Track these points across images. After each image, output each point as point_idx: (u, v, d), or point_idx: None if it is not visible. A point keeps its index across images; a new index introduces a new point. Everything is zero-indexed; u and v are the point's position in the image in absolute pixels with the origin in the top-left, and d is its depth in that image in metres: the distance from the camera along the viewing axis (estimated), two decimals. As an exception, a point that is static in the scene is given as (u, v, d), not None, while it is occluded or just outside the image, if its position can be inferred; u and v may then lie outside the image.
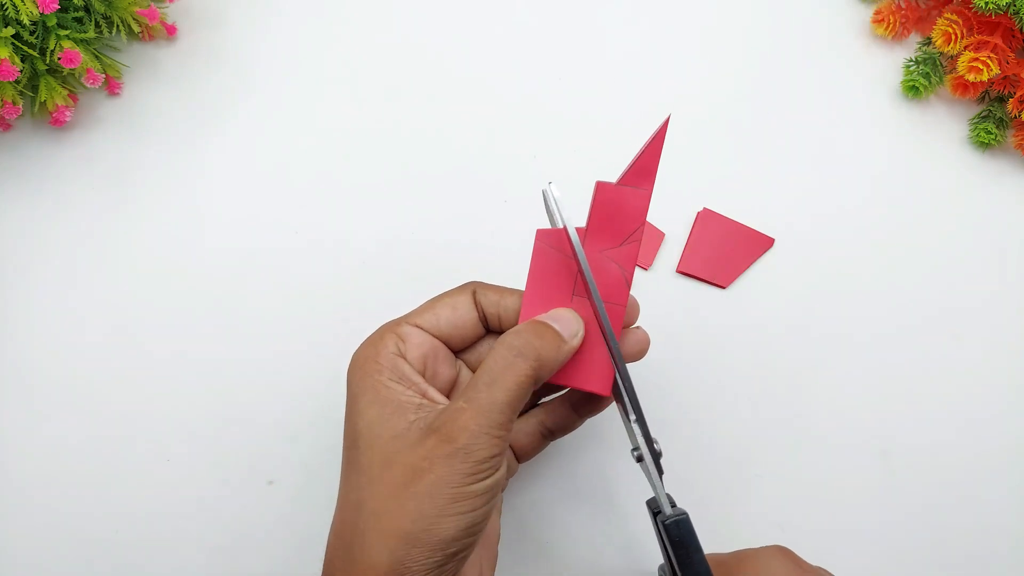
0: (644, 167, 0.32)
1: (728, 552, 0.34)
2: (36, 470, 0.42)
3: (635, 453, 0.33)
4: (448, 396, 0.33)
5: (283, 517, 0.42)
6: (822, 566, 0.34)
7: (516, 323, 0.33)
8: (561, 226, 0.32)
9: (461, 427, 0.28)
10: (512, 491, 0.42)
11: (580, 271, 0.32)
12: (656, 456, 0.33)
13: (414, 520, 0.28)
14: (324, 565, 0.31)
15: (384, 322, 0.33)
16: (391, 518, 0.28)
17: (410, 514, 0.28)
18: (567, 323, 0.32)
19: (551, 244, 0.33)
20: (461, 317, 0.33)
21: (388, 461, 0.29)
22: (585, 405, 0.36)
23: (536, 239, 0.33)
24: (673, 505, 0.33)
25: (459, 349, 0.34)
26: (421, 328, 0.33)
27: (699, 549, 0.32)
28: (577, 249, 0.32)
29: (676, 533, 0.32)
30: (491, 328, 0.34)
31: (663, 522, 0.32)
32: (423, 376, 0.32)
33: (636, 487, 0.42)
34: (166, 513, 0.42)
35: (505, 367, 0.29)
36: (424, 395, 0.31)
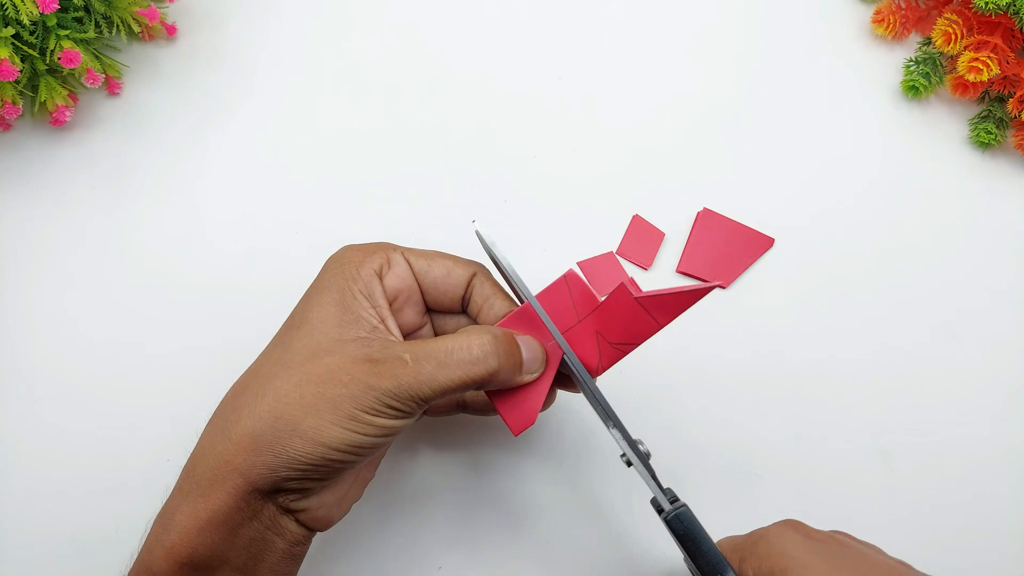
0: (670, 306, 0.33)
1: (743, 534, 0.34)
2: (36, 470, 0.42)
3: (623, 459, 0.33)
4: (404, 337, 0.34)
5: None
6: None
7: (492, 323, 0.34)
8: (504, 263, 0.33)
9: (393, 375, 0.29)
10: (506, 489, 0.42)
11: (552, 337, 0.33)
12: (644, 458, 0.33)
13: (308, 414, 0.29)
14: (214, 415, 0.32)
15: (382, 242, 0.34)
16: (290, 402, 0.29)
17: (308, 407, 0.29)
18: (533, 359, 0.33)
19: (572, 286, 0.33)
20: (449, 285, 0.34)
21: (316, 356, 0.30)
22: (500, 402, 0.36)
23: (569, 274, 0.33)
24: (674, 500, 0.33)
25: (432, 308, 0.35)
26: (410, 266, 0.33)
27: (706, 537, 0.32)
28: (541, 314, 0.33)
29: (679, 526, 0.32)
30: (467, 312, 0.35)
31: (665, 519, 0.32)
32: (390, 306, 0.33)
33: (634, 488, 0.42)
34: (166, 513, 0.42)
35: (463, 361, 0.30)
36: (383, 321, 0.32)
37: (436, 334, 0.36)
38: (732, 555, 0.32)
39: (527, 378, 0.33)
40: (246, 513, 0.29)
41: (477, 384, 0.31)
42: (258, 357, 0.33)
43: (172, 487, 0.31)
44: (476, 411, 0.37)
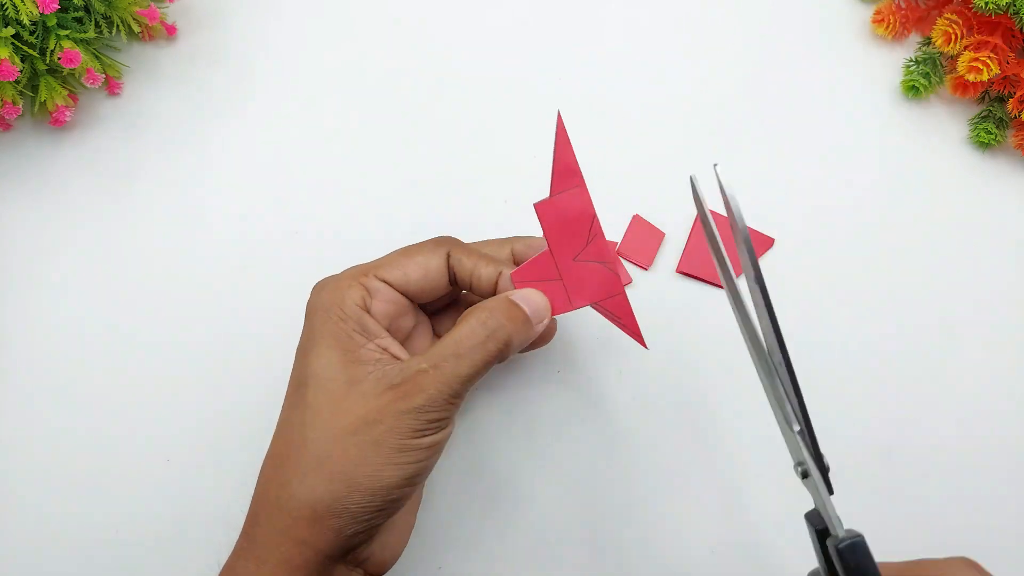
0: (564, 169, 0.33)
1: (904, 562, 0.32)
2: (36, 469, 0.42)
3: (799, 469, 0.30)
4: (405, 345, 0.34)
5: (283, 517, 0.42)
6: None
7: (487, 291, 0.33)
8: (723, 214, 0.31)
9: (420, 388, 0.29)
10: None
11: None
12: (824, 471, 0.30)
13: (357, 465, 0.29)
14: (255, 497, 0.31)
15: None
16: (334, 461, 0.29)
17: (354, 459, 0.29)
18: (537, 307, 0.33)
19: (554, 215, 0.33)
20: (431, 281, 0.33)
21: (340, 407, 0.30)
22: None
23: (537, 211, 0.33)
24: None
25: (422, 303, 0.35)
26: (389, 284, 0.33)
27: (877, 574, 0.29)
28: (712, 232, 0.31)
29: (852, 559, 0.29)
30: (459, 286, 0.35)
31: (836, 546, 0.29)
32: (387, 331, 0.32)
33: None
34: (166, 513, 0.42)
35: (475, 344, 0.30)
36: (386, 350, 0.31)
37: (433, 324, 0.36)
38: None
39: (539, 327, 0.33)
40: None
41: (498, 358, 0.31)
42: (279, 424, 0.32)
43: (224, 564, 0.31)
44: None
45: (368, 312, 0.32)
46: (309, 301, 0.33)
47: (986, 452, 0.44)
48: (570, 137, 0.33)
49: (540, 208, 0.33)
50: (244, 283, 0.46)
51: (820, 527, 0.30)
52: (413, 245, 0.34)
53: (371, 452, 0.29)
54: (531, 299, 0.33)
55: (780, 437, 0.44)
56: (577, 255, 0.33)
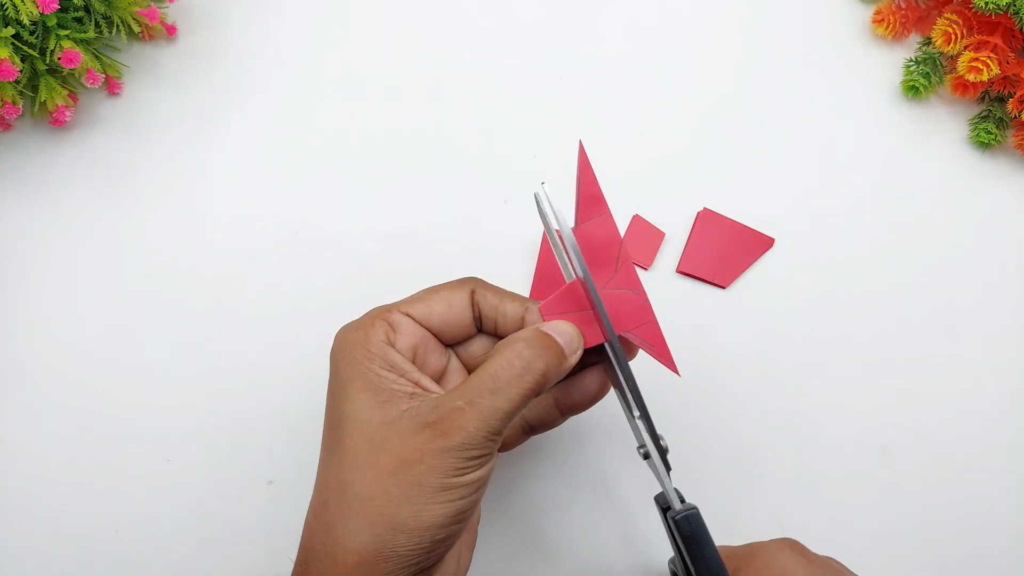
0: (589, 197, 0.32)
1: (737, 545, 0.34)
2: (36, 469, 0.42)
3: (641, 450, 0.33)
4: (439, 383, 0.33)
5: (283, 517, 0.42)
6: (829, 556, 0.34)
7: (513, 329, 0.33)
8: (555, 227, 0.32)
9: (459, 427, 0.28)
10: (513, 487, 0.42)
11: (587, 291, 0.32)
12: (663, 452, 0.32)
13: (400, 505, 0.28)
14: (302, 544, 0.30)
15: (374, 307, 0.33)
16: (376, 503, 0.28)
17: (396, 500, 0.28)
18: (570, 339, 0.32)
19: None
20: (456, 315, 0.33)
21: (377, 448, 0.29)
22: (567, 403, 0.35)
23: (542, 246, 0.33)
24: (682, 500, 0.33)
25: (449, 343, 0.34)
26: (412, 318, 0.32)
27: (711, 543, 0.31)
28: (585, 277, 0.32)
29: (687, 528, 0.32)
30: (484, 330, 0.34)
31: (673, 518, 0.32)
32: (414, 364, 0.32)
33: (642, 482, 0.42)
34: (166, 513, 0.42)
35: (512, 378, 0.29)
36: (417, 384, 0.31)
37: (464, 363, 0.35)
38: (725, 564, 0.32)
39: (573, 359, 0.32)
40: None
41: (535, 391, 0.30)
42: (318, 471, 0.31)
43: None
44: (544, 425, 0.36)
45: (394, 347, 0.31)
46: (333, 346, 0.32)
47: (986, 452, 0.44)
48: (591, 163, 0.32)
49: (575, 236, 0.32)
50: (244, 282, 0.46)
51: (666, 505, 0.33)
52: (437, 284, 0.34)
53: (414, 492, 0.28)
54: (563, 330, 0.32)
55: (787, 433, 0.44)
56: (606, 284, 0.33)
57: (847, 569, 0.33)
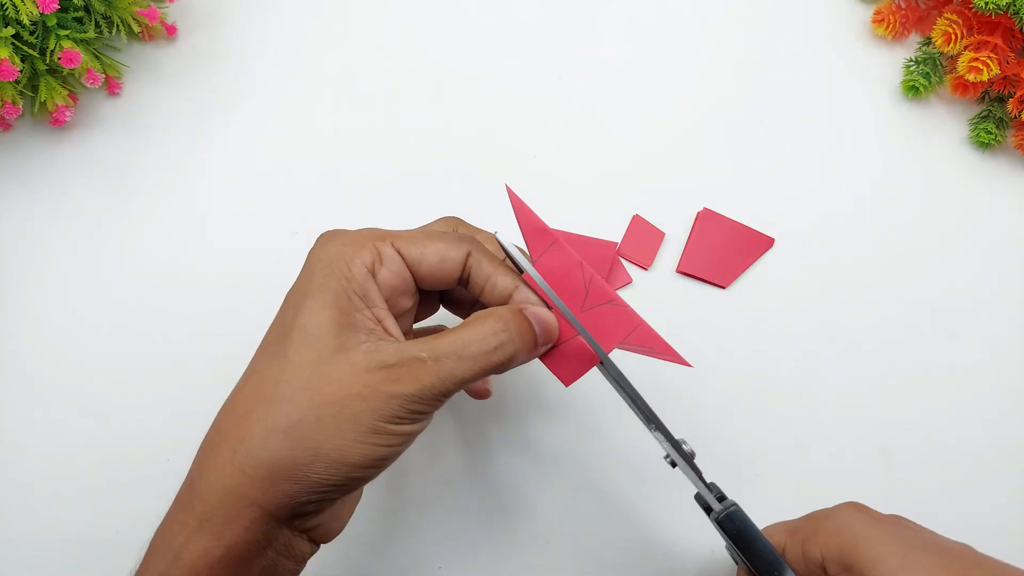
0: (534, 232, 0.33)
1: (799, 517, 0.34)
2: (36, 470, 0.42)
3: (668, 460, 0.33)
4: (399, 323, 0.32)
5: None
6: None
7: (498, 301, 0.32)
8: (524, 270, 0.32)
9: (415, 377, 0.28)
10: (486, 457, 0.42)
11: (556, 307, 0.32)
12: (688, 458, 0.32)
13: (329, 436, 0.27)
14: (206, 443, 0.29)
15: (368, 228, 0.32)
16: (305, 426, 0.27)
17: (327, 429, 0.27)
18: (547, 329, 0.32)
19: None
20: (445, 271, 0.32)
21: (322, 371, 0.28)
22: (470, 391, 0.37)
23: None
24: (721, 498, 0.32)
25: (423, 290, 0.33)
26: (403, 257, 0.31)
27: (760, 536, 0.31)
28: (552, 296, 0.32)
29: (731, 527, 0.31)
30: (469, 289, 0.33)
31: (716, 519, 0.32)
32: (386, 302, 0.31)
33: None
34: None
35: (482, 352, 0.29)
36: (380, 322, 0.30)
37: (418, 310, 0.34)
38: (792, 538, 0.32)
39: (540, 351, 0.32)
40: (262, 544, 0.28)
41: (497, 371, 0.30)
42: (249, 372, 0.30)
43: (163, 515, 0.29)
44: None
45: (374, 278, 0.30)
46: (312, 250, 0.31)
47: (986, 452, 0.44)
48: (524, 200, 0.33)
49: (531, 279, 0.32)
50: (243, 282, 0.46)
51: (707, 506, 0.33)
52: (436, 231, 0.33)
53: (347, 426, 0.27)
54: (543, 319, 0.32)
55: (787, 433, 0.44)
56: (583, 307, 0.33)
57: (915, 523, 0.33)
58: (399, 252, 0.31)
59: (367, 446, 0.28)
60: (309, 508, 0.28)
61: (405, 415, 0.28)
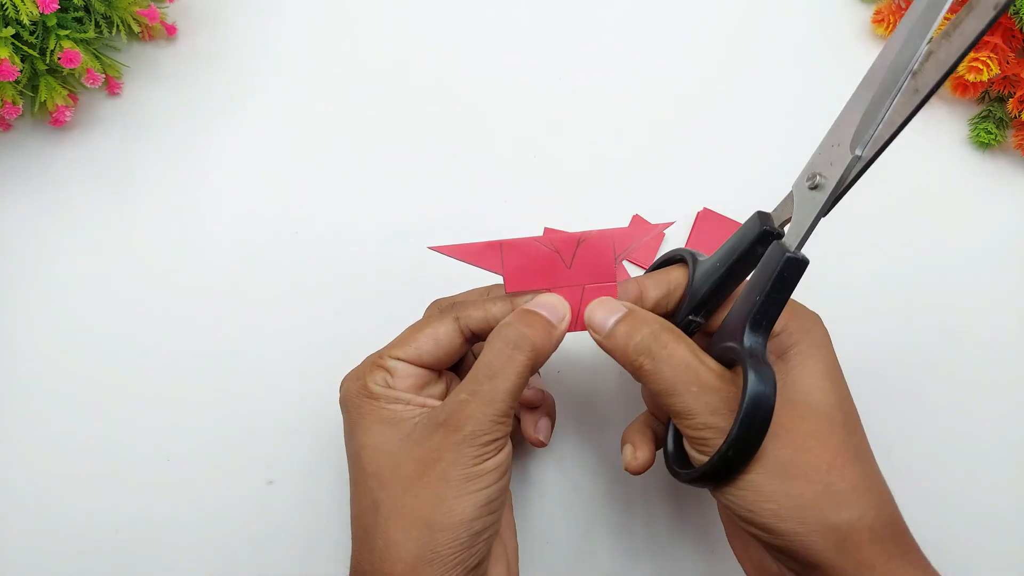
0: (480, 255, 0.34)
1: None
2: (36, 470, 0.42)
3: (812, 179, 0.30)
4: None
5: (283, 517, 0.42)
6: None
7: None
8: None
9: (467, 416, 0.30)
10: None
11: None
12: (836, 192, 0.30)
13: (432, 506, 0.29)
14: (353, 570, 0.31)
15: (369, 349, 0.34)
16: (409, 511, 0.29)
17: (428, 502, 0.29)
18: (554, 309, 0.32)
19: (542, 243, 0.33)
20: (444, 348, 0.33)
21: (397, 462, 0.30)
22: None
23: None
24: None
25: (442, 367, 0.35)
26: (403, 360, 0.33)
27: (791, 295, 0.30)
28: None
29: (789, 272, 0.29)
30: (481, 338, 0.34)
31: (785, 253, 0.29)
32: (418, 395, 0.33)
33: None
34: (166, 513, 0.42)
35: (504, 361, 0.30)
36: (423, 406, 0.32)
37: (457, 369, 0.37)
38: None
39: (563, 326, 0.33)
40: None
41: (531, 367, 0.31)
42: (351, 502, 0.32)
43: None
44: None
45: (393, 390, 0.32)
46: (339, 397, 0.34)
47: (986, 452, 0.44)
48: (445, 244, 0.34)
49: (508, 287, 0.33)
50: (243, 283, 0.46)
51: (765, 228, 0.31)
52: (418, 321, 0.35)
53: (441, 489, 0.29)
54: (544, 302, 0.33)
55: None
56: (569, 264, 0.33)
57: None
58: (399, 359, 0.33)
59: (468, 496, 0.29)
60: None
61: (480, 452, 0.30)
